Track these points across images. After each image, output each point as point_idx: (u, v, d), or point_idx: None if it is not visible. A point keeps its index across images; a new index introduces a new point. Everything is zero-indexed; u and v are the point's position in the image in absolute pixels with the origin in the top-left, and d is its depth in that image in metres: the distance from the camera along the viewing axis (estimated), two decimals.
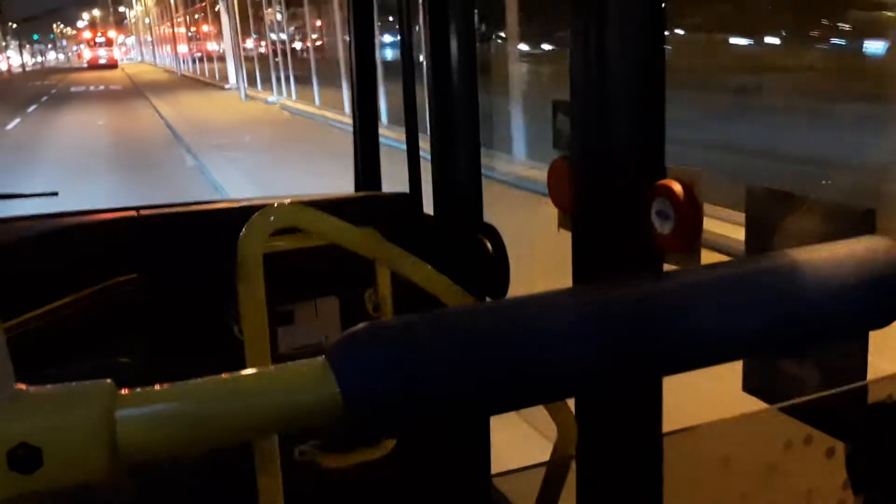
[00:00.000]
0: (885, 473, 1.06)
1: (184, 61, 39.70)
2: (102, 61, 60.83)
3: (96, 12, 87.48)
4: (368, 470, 1.45)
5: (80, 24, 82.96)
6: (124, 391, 0.44)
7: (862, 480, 1.07)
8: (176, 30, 41.27)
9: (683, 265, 1.11)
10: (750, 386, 1.08)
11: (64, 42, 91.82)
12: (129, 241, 1.61)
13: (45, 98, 28.03)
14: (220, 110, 19.17)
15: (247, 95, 21.76)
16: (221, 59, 28.24)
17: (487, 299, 1.46)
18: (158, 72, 45.03)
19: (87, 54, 63.87)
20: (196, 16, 35.15)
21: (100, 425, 0.42)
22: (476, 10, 1.36)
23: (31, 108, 23.51)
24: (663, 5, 1.05)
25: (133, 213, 1.65)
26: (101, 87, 32.65)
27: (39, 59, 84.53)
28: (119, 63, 63.24)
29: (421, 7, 1.35)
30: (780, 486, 1.21)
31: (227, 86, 25.44)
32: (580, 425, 1.16)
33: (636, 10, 1.03)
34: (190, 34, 37.19)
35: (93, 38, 64.49)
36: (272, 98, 19.92)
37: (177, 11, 39.65)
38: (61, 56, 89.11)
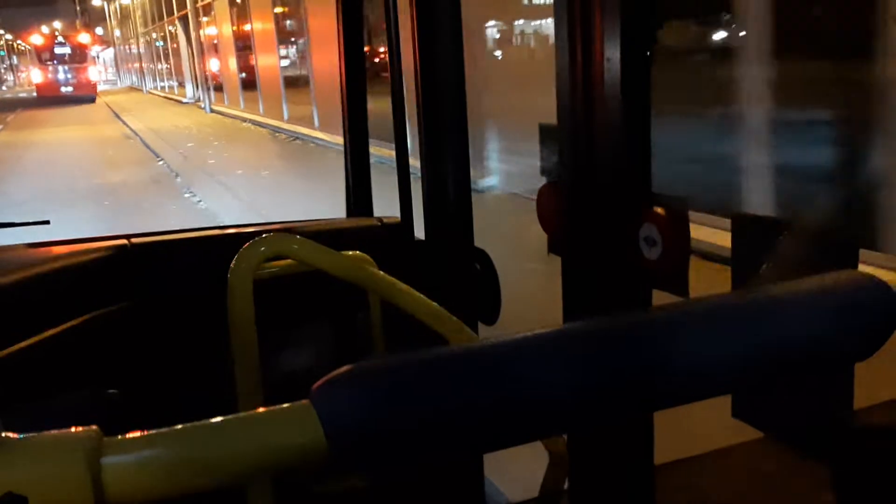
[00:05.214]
0: (872, 499, 1.07)
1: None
2: (66, 90, 32.29)
3: (57, 24, 60.71)
4: (361, 500, 1.43)
5: (35, 39, 63.23)
6: (109, 438, 0.44)
7: None
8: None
9: (671, 290, 1.12)
10: (739, 412, 1.09)
11: (15, 59, 79.44)
12: (120, 269, 1.59)
13: None
14: None
15: None
16: None
17: (479, 324, 1.46)
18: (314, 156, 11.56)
19: (36, 76, 34.25)
20: None
21: (85, 473, 0.43)
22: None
23: None
24: (649, 30, 1.06)
25: (125, 241, 1.62)
26: None
27: None
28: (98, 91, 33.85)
29: (410, 28, 1.34)
30: None
31: None
32: (572, 458, 1.15)
33: (621, 36, 1.04)
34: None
35: (47, 45, 34.61)
36: None
37: None
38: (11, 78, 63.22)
